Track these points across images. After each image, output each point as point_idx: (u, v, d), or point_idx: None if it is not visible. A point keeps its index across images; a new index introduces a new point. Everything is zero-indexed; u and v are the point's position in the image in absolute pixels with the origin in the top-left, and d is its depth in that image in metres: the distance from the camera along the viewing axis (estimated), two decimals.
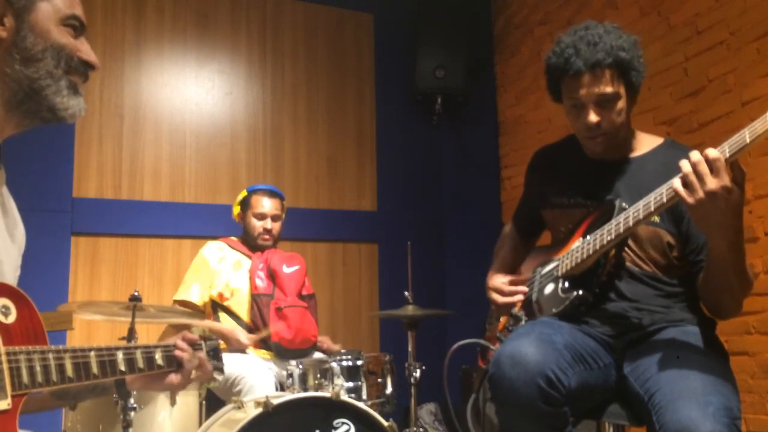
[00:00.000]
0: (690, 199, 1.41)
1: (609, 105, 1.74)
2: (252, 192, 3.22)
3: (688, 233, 1.72)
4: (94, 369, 1.22)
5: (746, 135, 1.36)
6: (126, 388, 1.37)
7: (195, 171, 3.79)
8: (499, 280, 1.98)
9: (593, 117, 1.73)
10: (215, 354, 1.51)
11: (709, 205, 1.39)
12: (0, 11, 1.18)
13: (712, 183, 1.38)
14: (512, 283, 1.96)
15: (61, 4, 1.24)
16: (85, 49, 1.27)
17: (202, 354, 1.45)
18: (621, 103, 1.75)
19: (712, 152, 1.39)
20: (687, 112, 3.08)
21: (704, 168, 1.39)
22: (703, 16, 3.02)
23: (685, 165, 1.41)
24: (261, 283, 3.05)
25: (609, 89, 1.72)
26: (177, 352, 1.39)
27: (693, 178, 1.40)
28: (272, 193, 3.22)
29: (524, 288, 1.91)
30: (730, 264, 1.52)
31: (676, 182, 1.44)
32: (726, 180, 1.38)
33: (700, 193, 1.39)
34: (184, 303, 3.06)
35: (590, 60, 1.69)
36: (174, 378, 1.40)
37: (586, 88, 1.72)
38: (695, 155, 1.41)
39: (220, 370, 1.53)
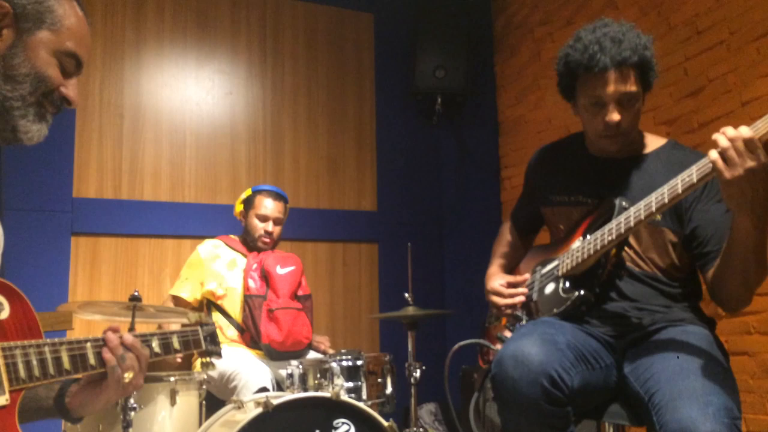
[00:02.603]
0: (727, 175, 1.38)
1: (629, 104, 1.72)
2: (257, 192, 3.20)
3: (695, 225, 1.69)
4: (92, 360, 1.23)
5: None
6: (66, 408, 1.28)
7: (195, 171, 3.79)
8: (497, 282, 1.97)
9: (616, 115, 1.71)
10: (212, 339, 1.52)
11: (746, 182, 1.37)
12: (4, 23, 1.19)
13: (752, 160, 1.36)
14: (510, 284, 1.95)
15: (66, 37, 1.24)
16: (68, 85, 1.27)
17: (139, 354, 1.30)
18: (639, 103, 1.74)
19: (745, 131, 1.37)
20: (687, 112, 3.08)
21: (742, 145, 1.37)
22: (703, 16, 3.02)
23: (721, 139, 1.39)
24: (254, 284, 3.04)
25: (633, 88, 1.70)
26: (104, 353, 1.25)
27: (733, 152, 1.37)
28: (278, 196, 3.20)
29: (524, 289, 1.91)
30: (752, 244, 1.49)
31: (714, 154, 1.40)
32: (764, 157, 1.36)
33: (740, 170, 1.36)
34: (176, 299, 3.09)
35: (616, 57, 1.67)
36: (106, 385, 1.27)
37: (613, 86, 1.69)
38: (731, 130, 1.38)
39: (218, 354, 1.54)
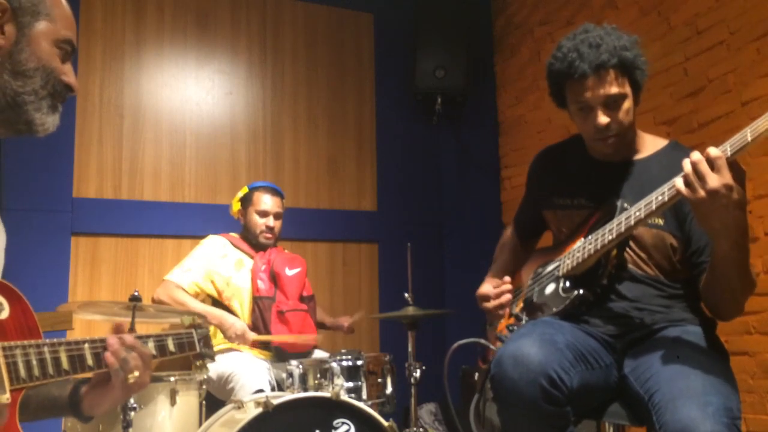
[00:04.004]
0: (692, 198, 1.41)
1: (616, 105, 1.73)
2: (254, 189, 3.20)
3: (690, 234, 1.71)
4: (89, 361, 1.23)
5: (748, 134, 1.37)
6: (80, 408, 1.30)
7: (195, 171, 3.79)
8: (484, 288, 1.96)
9: (603, 119, 1.72)
10: (206, 342, 1.52)
11: (711, 203, 1.39)
12: (5, 19, 1.19)
13: (713, 181, 1.38)
14: (497, 285, 1.94)
15: (61, 25, 1.26)
16: (68, 72, 1.29)
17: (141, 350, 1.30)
18: (628, 103, 1.75)
19: (713, 151, 1.40)
20: (687, 112, 3.08)
21: (705, 167, 1.39)
22: (703, 16, 3.02)
23: (686, 164, 1.42)
24: (263, 285, 3.02)
25: (615, 90, 1.71)
26: (107, 357, 1.25)
27: (693, 177, 1.40)
28: (275, 191, 3.22)
29: (509, 286, 1.89)
30: (733, 264, 1.52)
31: (678, 181, 1.44)
32: (728, 178, 1.38)
33: (702, 192, 1.39)
34: (174, 284, 2.99)
35: (594, 62, 1.68)
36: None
37: (591, 91, 1.71)
38: (696, 154, 1.41)
39: (211, 357, 1.53)
